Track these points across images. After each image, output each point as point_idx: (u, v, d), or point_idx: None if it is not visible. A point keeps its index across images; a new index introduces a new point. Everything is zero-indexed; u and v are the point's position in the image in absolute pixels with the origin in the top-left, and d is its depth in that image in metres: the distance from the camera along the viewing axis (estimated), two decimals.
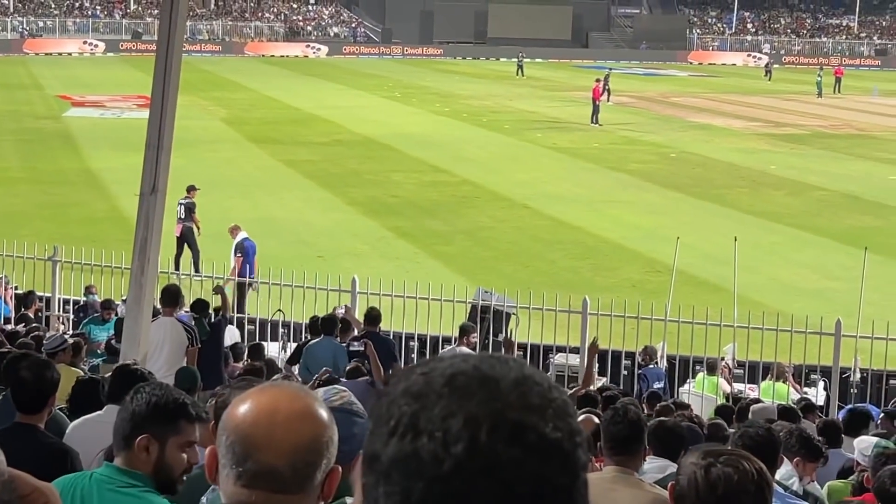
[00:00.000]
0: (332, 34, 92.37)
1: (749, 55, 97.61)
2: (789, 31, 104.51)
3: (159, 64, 5.89)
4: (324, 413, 2.38)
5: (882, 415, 12.19)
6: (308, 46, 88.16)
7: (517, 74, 72.34)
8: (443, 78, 69.58)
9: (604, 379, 15.01)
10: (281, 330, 16.38)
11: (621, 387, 14.24)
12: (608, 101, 53.16)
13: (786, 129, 48.35)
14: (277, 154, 36.79)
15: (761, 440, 5.60)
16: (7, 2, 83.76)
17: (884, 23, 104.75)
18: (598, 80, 50.52)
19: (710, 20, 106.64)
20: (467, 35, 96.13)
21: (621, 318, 15.67)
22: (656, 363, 15.09)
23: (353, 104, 52.60)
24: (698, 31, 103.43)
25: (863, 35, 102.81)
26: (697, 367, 15.46)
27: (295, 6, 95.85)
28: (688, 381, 15.47)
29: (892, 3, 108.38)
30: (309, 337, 14.35)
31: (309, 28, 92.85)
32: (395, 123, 45.60)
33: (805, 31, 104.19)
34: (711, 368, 14.92)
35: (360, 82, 64.13)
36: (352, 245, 24.53)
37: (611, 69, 62.43)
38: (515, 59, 75.89)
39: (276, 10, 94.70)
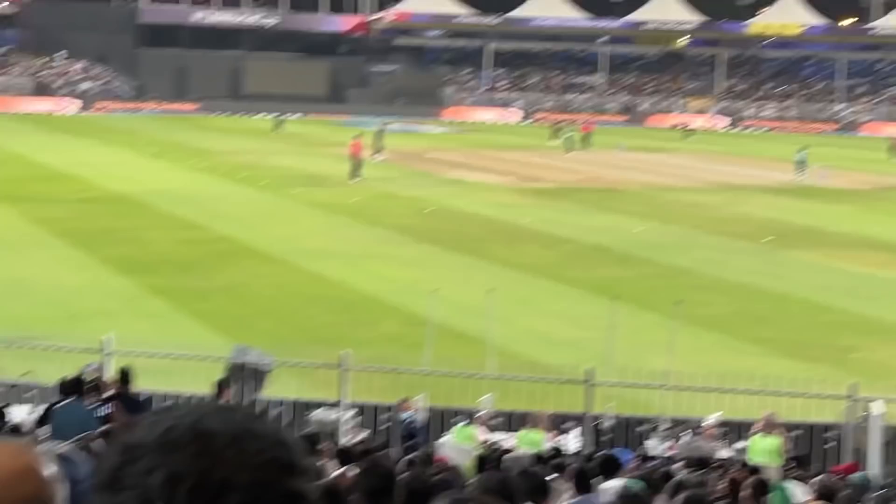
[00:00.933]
0: (82, 89, 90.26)
1: (505, 109, 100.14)
2: (540, 88, 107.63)
3: None
4: (45, 470, 2.28)
5: (633, 459, 12.54)
6: (58, 102, 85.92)
7: (276, 130, 72.23)
8: (199, 134, 68.83)
9: (365, 431, 14.99)
10: (32, 392, 15.78)
11: (382, 439, 14.24)
12: (381, 158, 54.10)
13: (538, 183, 49.64)
14: (26, 213, 35.59)
15: (501, 485, 5.75)
16: None
17: (630, 80, 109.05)
18: (357, 137, 50.79)
19: (463, 78, 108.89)
20: (224, 90, 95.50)
21: (380, 371, 15.71)
22: (414, 414, 15.15)
23: (106, 161, 51.45)
24: (453, 87, 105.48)
25: (610, 92, 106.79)
26: (455, 419, 15.60)
27: (44, 61, 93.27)
28: (446, 431, 15.59)
29: (638, 61, 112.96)
30: (58, 399, 13.84)
31: (59, 83, 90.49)
32: (150, 180, 44.81)
33: (555, 89, 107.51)
34: (468, 419, 15.08)
35: (114, 138, 62.84)
36: (105, 304, 23.87)
37: (385, 124, 63.26)
38: (274, 115, 75.82)
39: (23, 64, 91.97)
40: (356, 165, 47.98)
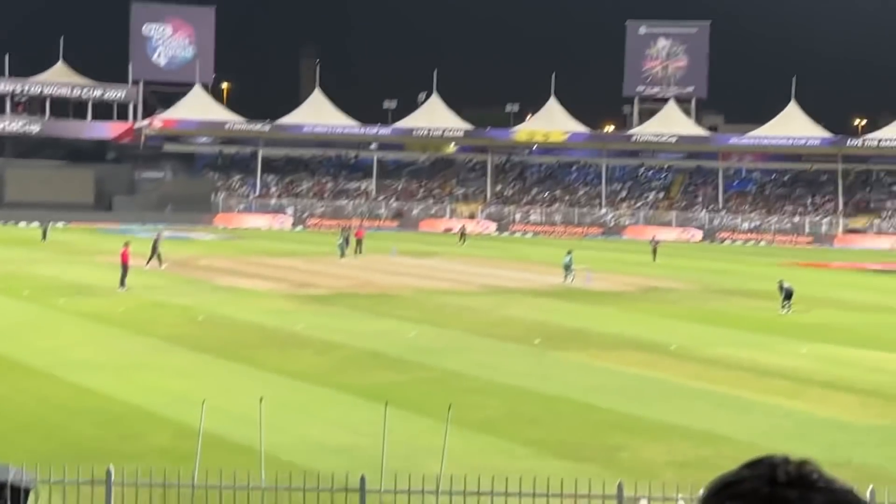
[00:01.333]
0: None
1: (276, 216, 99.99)
2: (311, 194, 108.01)
3: None
4: None
5: None
6: None
7: (43, 239, 70.31)
8: None
9: None
10: None
11: None
12: (161, 266, 53.44)
13: (311, 289, 49.54)
14: None
15: None
16: None
17: (400, 186, 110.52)
18: (126, 244, 49.77)
19: (234, 184, 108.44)
20: None
21: (148, 486, 15.20)
22: None
23: None
24: (224, 194, 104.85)
25: (381, 198, 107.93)
26: None
27: None
28: None
29: (408, 167, 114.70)
30: None
31: None
32: None
33: (327, 194, 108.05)
34: None
35: None
36: None
37: (161, 230, 62.29)
38: (38, 224, 73.84)
39: None
40: (125, 273, 46.98)
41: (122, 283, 46.59)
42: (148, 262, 53.59)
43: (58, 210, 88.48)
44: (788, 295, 44.76)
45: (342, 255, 65.75)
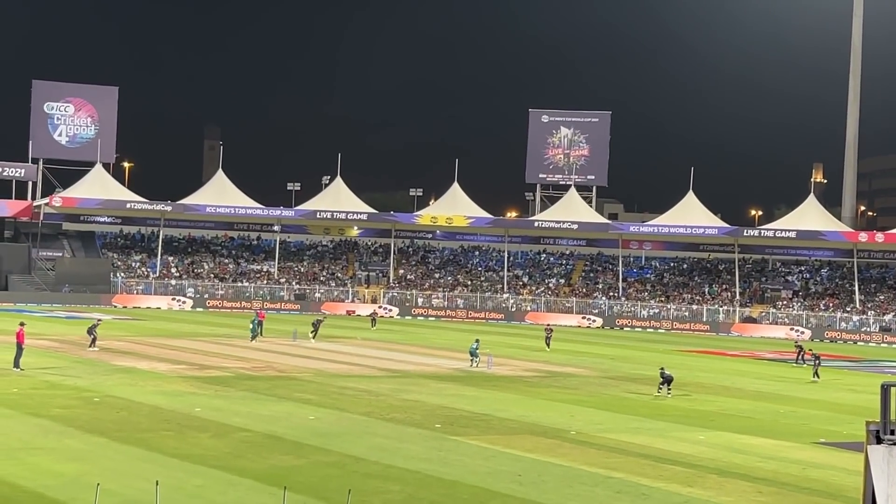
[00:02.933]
0: None
1: (176, 296, 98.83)
2: (213, 275, 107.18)
3: None
4: None
5: None
6: None
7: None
8: None
9: None
10: None
11: None
12: (94, 349, 53.20)
13: (211, 371, 49.01)
14: None
15: None
16: None
17: (302, 269, 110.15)
18: (22, 324, 48.68)
19: (134, 264, 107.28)
20: None
21: None
22: None
23: None
24: (122, 274, 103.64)
25: (282, 280, 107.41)
26: None
27: None
28: None
29: (311, 249, 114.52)
30: None
31: None
32: None
33: (228, 276, 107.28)
34: None
35: None
36: None
37: (99, 320, 61.54)
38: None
39: None
40: (19, 354, 46.09)
41: (17, 363, 45.69)
42: (90, 347, 54.50)
43: None
44: (668, 381, 46.32)
45: (253, 338, 65.36)
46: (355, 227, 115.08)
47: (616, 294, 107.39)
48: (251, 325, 66.86)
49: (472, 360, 54.81)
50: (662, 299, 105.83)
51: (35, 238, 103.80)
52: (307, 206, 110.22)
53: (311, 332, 67.27)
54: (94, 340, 56.33)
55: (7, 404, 36.51)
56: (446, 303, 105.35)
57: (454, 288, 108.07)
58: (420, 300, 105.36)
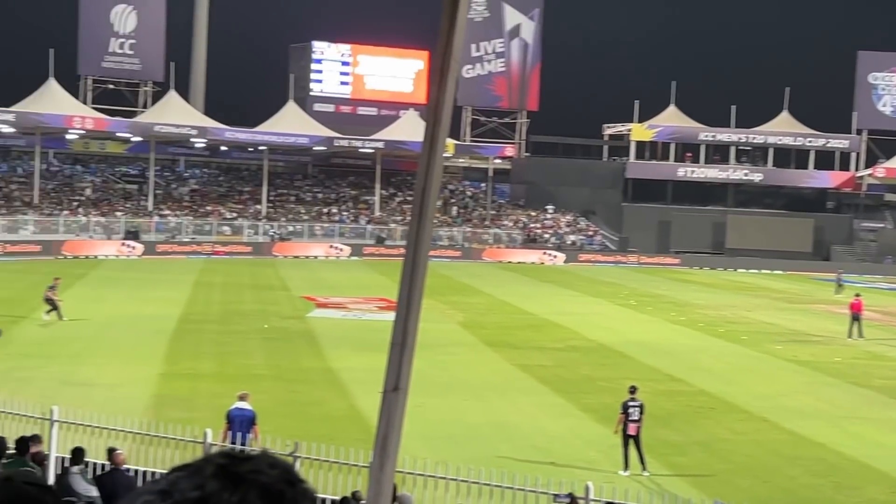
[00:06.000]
0: (568, 242, 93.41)
1: None
2: None
3: (407, 266, 6.19)
4: None
5: None
6: (545, 253, 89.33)
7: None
8: (678, 287, 69.22)
9: None
10: None
11: None
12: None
13: None
14: (512, 358, 36.98)
15: None
16: (261, 208, 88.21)
17: None
18: (857, 295, 48.62)
19: None
20: (705, 245, 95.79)
21: None
22: None
23: (587, 311, 52.64)
24: None
25: None
26: None
27: (533, 214, 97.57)
28: None
29: None
30: None
31: (546, 235, 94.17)
32: (629, 331, 45.42)
33: None
34: None
35: (595, 289, 64.29)
36: (585, 452, 24.31)
37: None
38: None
39: (514, 217, 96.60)
40: (858, 325, 46.26)
41: (852, 333, 45.80)
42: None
43: (773, 258, 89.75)
44: None
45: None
46: None
47: None
48: None
49: None
50: None
51: (857, 209, 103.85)
52: None
53: None
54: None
55: (829, 373, 37.07)
56: None
57: None
58: None
